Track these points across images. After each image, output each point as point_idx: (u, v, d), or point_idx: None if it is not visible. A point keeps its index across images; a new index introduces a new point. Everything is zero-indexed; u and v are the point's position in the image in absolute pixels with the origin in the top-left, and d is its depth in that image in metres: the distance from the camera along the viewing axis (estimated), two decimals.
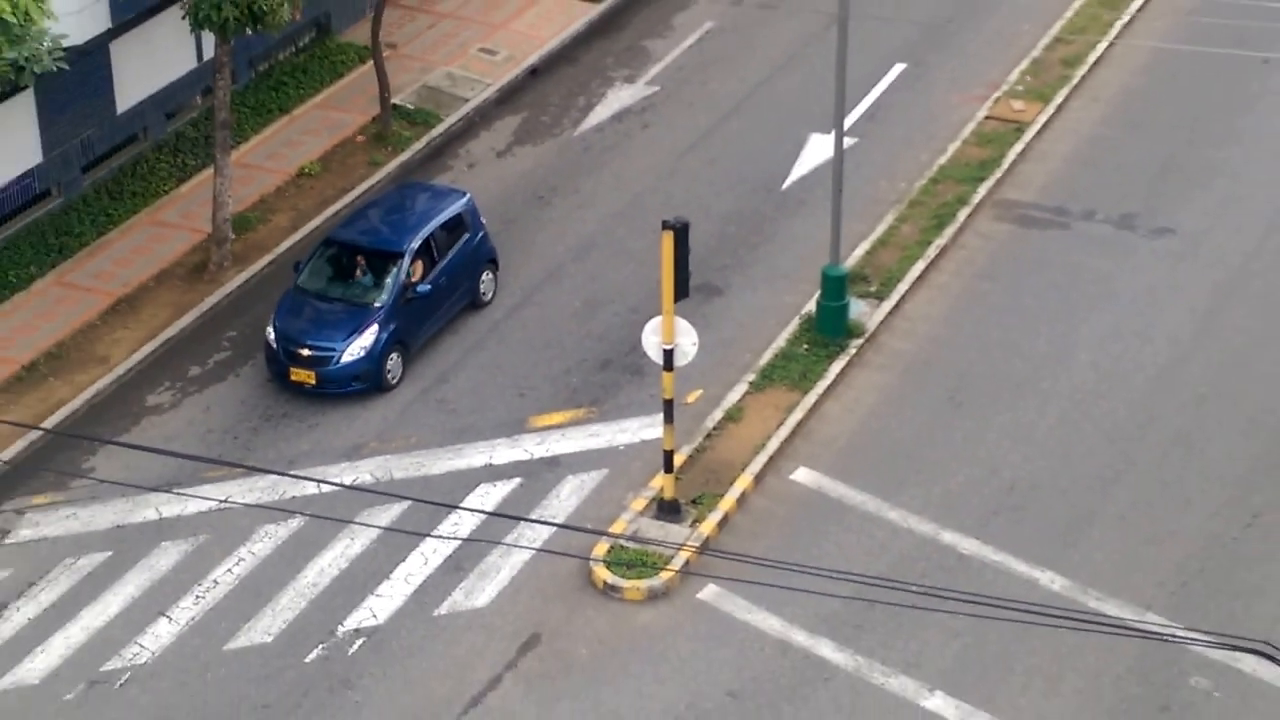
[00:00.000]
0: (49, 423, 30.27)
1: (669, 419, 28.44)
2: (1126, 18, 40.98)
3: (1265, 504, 28.96)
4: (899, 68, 39.36)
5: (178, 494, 28.44)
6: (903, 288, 33.49)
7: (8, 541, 28.73)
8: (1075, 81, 39.08)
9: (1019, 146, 37.13)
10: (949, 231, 34.81)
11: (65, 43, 29.95)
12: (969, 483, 29.49)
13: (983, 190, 35.91)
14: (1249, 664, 25.31)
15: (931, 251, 34.33)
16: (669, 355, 28.02)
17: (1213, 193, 35.33)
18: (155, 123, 36.77)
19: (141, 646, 26.88)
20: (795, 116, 37.77)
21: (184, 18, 32.83)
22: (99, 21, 33.35)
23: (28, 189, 34.60)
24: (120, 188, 35.74)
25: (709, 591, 27.61)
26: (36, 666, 26.56)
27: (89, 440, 30.02)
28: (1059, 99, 38.54)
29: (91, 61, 33.95)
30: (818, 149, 36.35)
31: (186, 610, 27.43)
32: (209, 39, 33.81)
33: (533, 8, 41.26)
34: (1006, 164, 36.63)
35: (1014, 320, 33.01)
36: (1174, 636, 25.96)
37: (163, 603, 27.56)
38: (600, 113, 38.61)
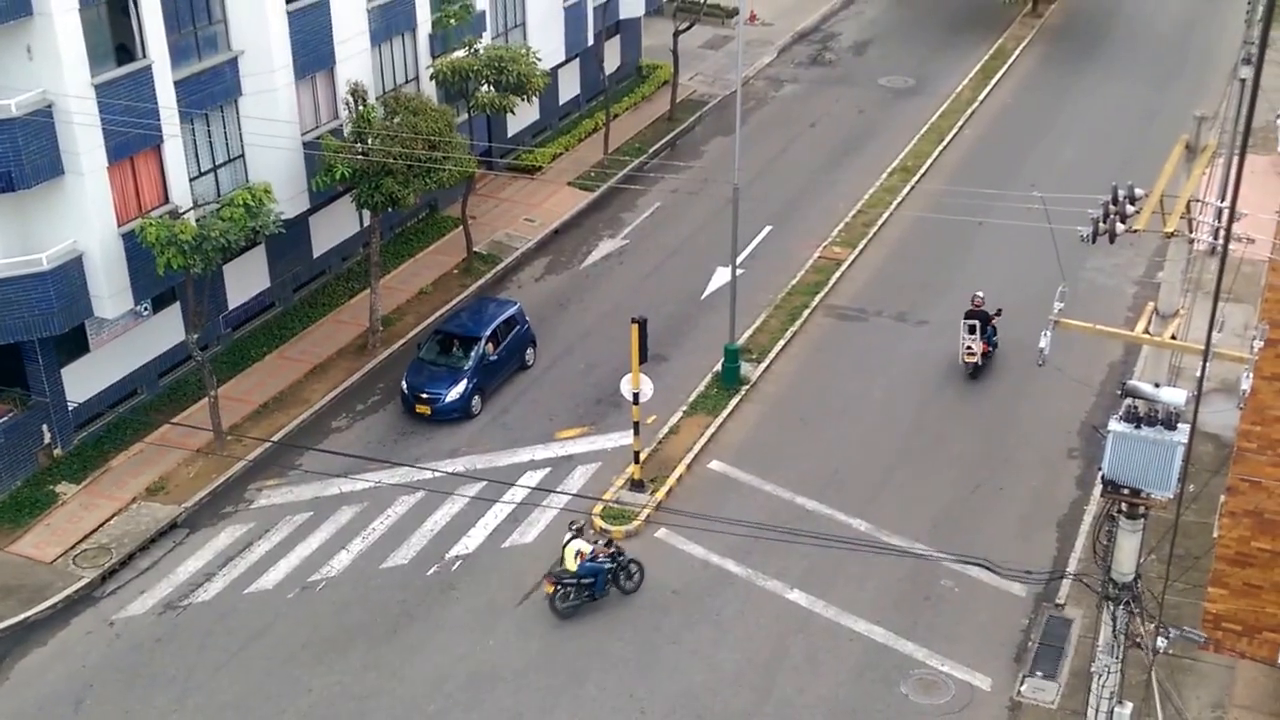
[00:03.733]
0: (275, 437, 30.47)
1: (637, 432, 28.85)
2: (900, 197, 41.45)
3: (982, 480, 29.44)
4: (768, 228, 39.71)
5: (351, 478, 28.64)
6: (771, 355, 33.81)
7: (252, 507, 28.88)
8: (870, 235, 39.39)
9: (838, 274, 37.40)
10: (797, 323, 35.13)
11: (283, 217, 30.48)
12: (811, 468, 29.82)
13: (817, 299, 36.20)
14: (975, 572, 25.72)
15: (788, 334, 34.66)
16: (636, 396, 28.41)
17: (948, 298, 35.84)
18: (335, 263, 36.94)
19: (331, 567, 27.14)
20: (707, 256, 38.02)
21: (352, 202, 33.37)
22: (302, 205, 33.60)
23: (262, 301, 34.82)
24: (315, 300, 35.82)
25: (662, 533, 27.95)
26: (269, 579, 26.83)
27: (299, 447, 30.16)
28: (860, 245, 38.85)
29: (298, 226, 34.27)
30: (721, 275, 36.54)
31: (357, 546, 27.68)
32: (367, 214, 34.23)
33: (556, 195, 41.56)
34: (830, 284, 36.92)
35: (836, 373, 33.34)
36: (931, 556, 26.52)
37: (343, 542, 27.80)
38: (595, 255, 38.79)
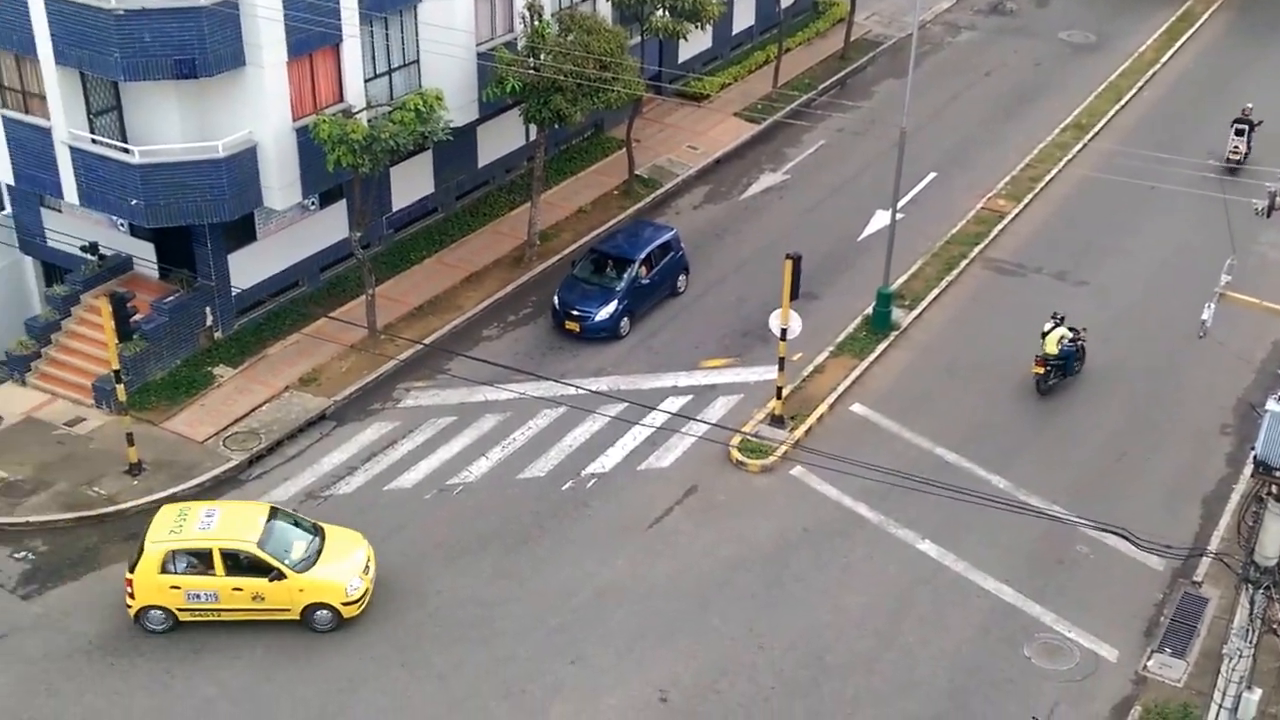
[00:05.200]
0: (428, 340, 30.39)
1: (781, 368, 28.25)
2: (1071, 155, 39.84)
3: (1128, 448, 28.23)
4: (932, 174, 38.53)
5: (496, 387, 28.50)
6: (924, 303, 32.82)
7: (399, 406, 28.95)
8: (1036, 190, 37.94)
9: (999, 226, 36.13)
10: (954, 273, 34.06)
11: (452, 124, 30.22)
12: (954, 419, 28.91)
13: (975, 250, 35.03)
14: (1113, 541, 24.65)
15: (943, 283, 33.60)
16: (784, 332, 27.82)
17: (1111, 261, 34.38)
18: (499, 174, 36.69)
19: (469, 472, 27.07)
20: (868, 198, 36.99)
21: (520, 116, 33.10)
22: (471, 114, 33.27)
23: (425, 206, 34.74)
24: (477, 209, 35.65)
25: (797, 470, 27.37)
26: (409, 478, 26.88)
27: (449, 352, 30.06)
28: (1026, 200, 37.46)
29: (466, 136, 34.01)
30: (880, 218, 35.52)
31: (496, 454, 27.58)
32: (533, 129, 33.84)
33: (721, 124, 40.76)
34: (991, 236, 35.69)
35: (988, 327, 32.24)
36: (1068, 519, 25.50)
37: (483, 449, 27.71)
38: (755, 188, 38.04)
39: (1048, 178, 38.52)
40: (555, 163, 37.56)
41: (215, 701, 21.93)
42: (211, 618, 22.96)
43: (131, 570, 22.72)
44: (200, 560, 22.68)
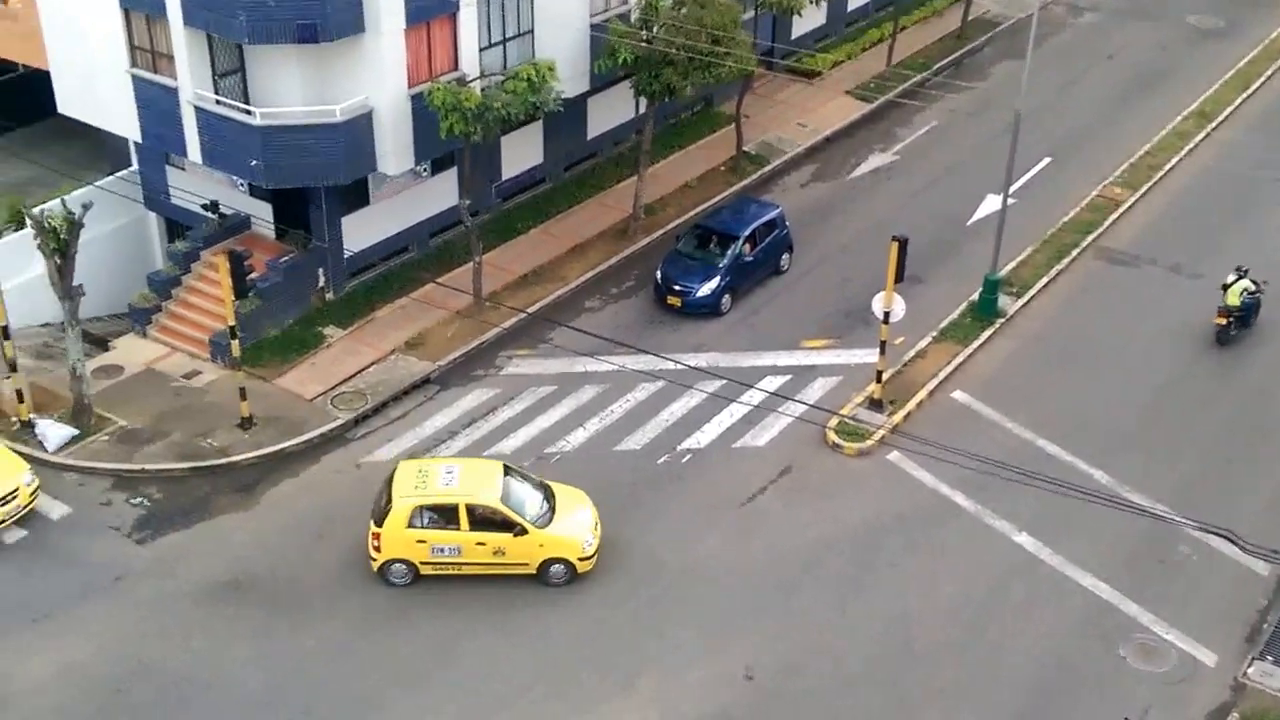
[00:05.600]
0: (531, 309, 30.52)
1: (883, 352, 27.91)
2: (1193, 144, 38.71)
3: (1236, 449, 27.42)
4: (1047, 159, 37.73)
5: (597, 359, 28.50)
6: (1032, 291, 32.20)
7: (500, 373, 29.16)
8: (1155, 179, 36.95)
9: (1114, 215, 35.26)
10: (1064, 261, 33.35)
11: (563, 95, 30.23)
12: (1057, 411, 28.32)
13: (1088, 239, 34.24)
14: (1217, 543, 24.09)
15: (1053, 271, 32.93)
16: (887, 315, 27.47)
17: (1230, 255, 33.29)
18: (607, 147, 36.71)
19: (567, 442, 27.20)
20: (979, 182, 36.30)
21: (630, 88, 33.00)
22: (582, 86, 33.25)
23: (533, 176, 34.86)
24: (584, 181, 35.67)
25: (894, 455, 27.05)
26: (507, 445, 27.07)
27: (552, 322, 30.17)
28: (1143, 189, 36.51)
29: (576, 107, 34.02)
30: (991, 203, 34.85)
31: (594, 425, 27.67)
32: (643, 102, 33.73)
33: (831, 102, 40.31)
34: (1105, 225, 34.85)
35: (1098, 318, 31.54)
36: (1172, 519, 24.88)
37: (581, 419, 27.81)
38: (863, 168, 37.58)
39: (1167, 166, 37.50)
40: (663, 136, 37.39)
41: (313, 654, 22.38)
42: (452, 571, 23.39)
43: (379, 524, 23.10)
44: (444, 515, 23.11)
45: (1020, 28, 45.03)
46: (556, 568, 23.57)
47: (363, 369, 28.67)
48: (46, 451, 25.80)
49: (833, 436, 27.32)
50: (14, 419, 26.60)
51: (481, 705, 21.57)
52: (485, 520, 23.24)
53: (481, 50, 30.32)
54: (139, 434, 26.70)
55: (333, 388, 28.11)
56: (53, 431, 26.33)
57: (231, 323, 26.51)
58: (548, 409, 28.08)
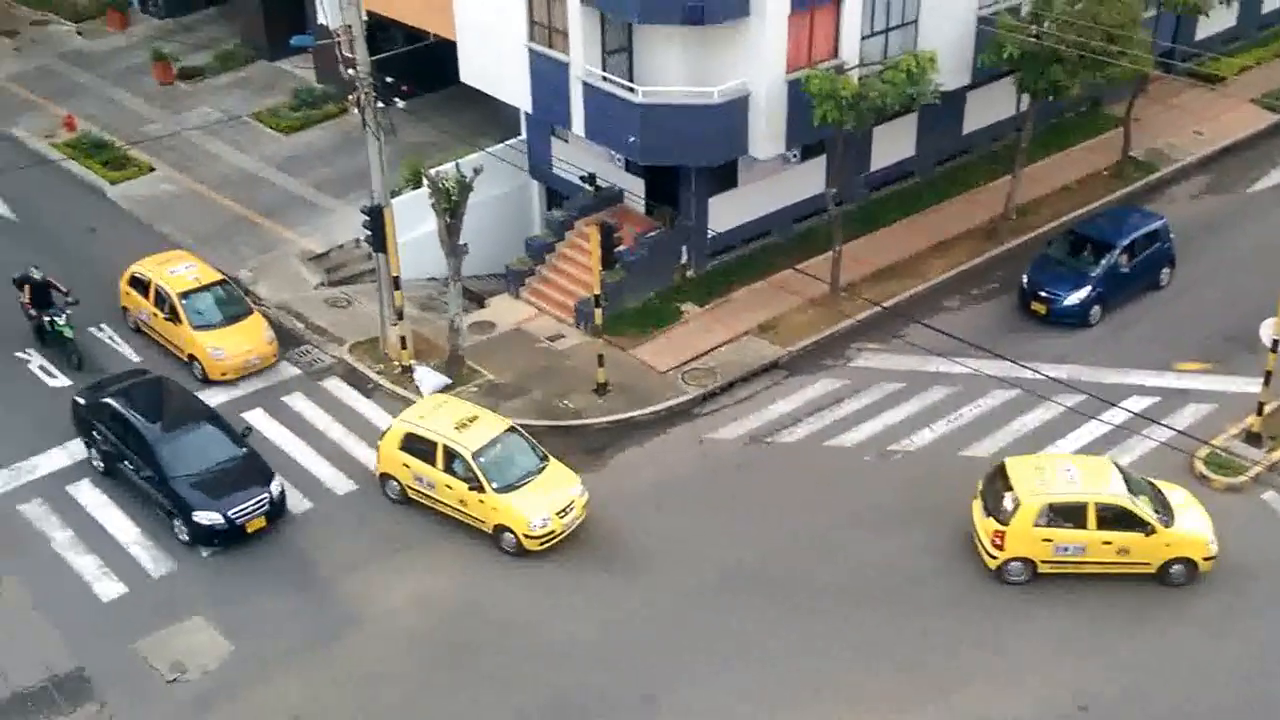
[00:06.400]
0: (887, 303, 29.90)
1: (1267, 383, 25.77)
2: None
3: None
4: None
5: (950, 360, 27.60)
6: None
7: (850, 365, 28.87)
8: None
9: None
10: None
11: (942, 88, 29.43)
12: None
13: None
14: None
15: None
16: (1276, 343, 25.31)
17: None
18: (982, 143, 35.51)
19: (911, 441, 26.64)
20: None
21: (1013, 84, 31.77)
22: (963, 79, 32.28)
23: (903, 169, 34.19)
24: (954, 177, 34.57)
25: (1269, 495, 25.03)
26: (850, 437, 26.83)
27: (906, 318, 29.49)
28: None
29: (953, 101, 32.94)
30: None
31: (941, 427, 27.04)
32: (1025, 99, 32.32)
33: (1234, 110, 37.40)
34: None
35: None
36: None
37: (928, 419, 27.23)
38: (1264, 182, 34.70)
39: None
40: (1043, 136, 35.75)
41: (632, 616, 22.80)
42: (1072, 570, 23.17)
43: (1002, 522, 22.93)
44: (1071, 514, 22.87)
45: None
46: (1178, 568, 23.07)
47: (715, 347, 28.97)
48: (421, 395, 27.45)
49: (1201, 467, 25.48)
50: (396, 363, 28.47)
51: None
52: (1113, 519, 22.84)
53: (863, 39, 29.85)
54: (503, 388, 27.97)
55: (685, 363, 28.54)
56: (429, 378, 28.00)
57: (597, 291, 27.34)
58: (894, 405, 27.54)
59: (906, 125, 33.19)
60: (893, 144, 33.31)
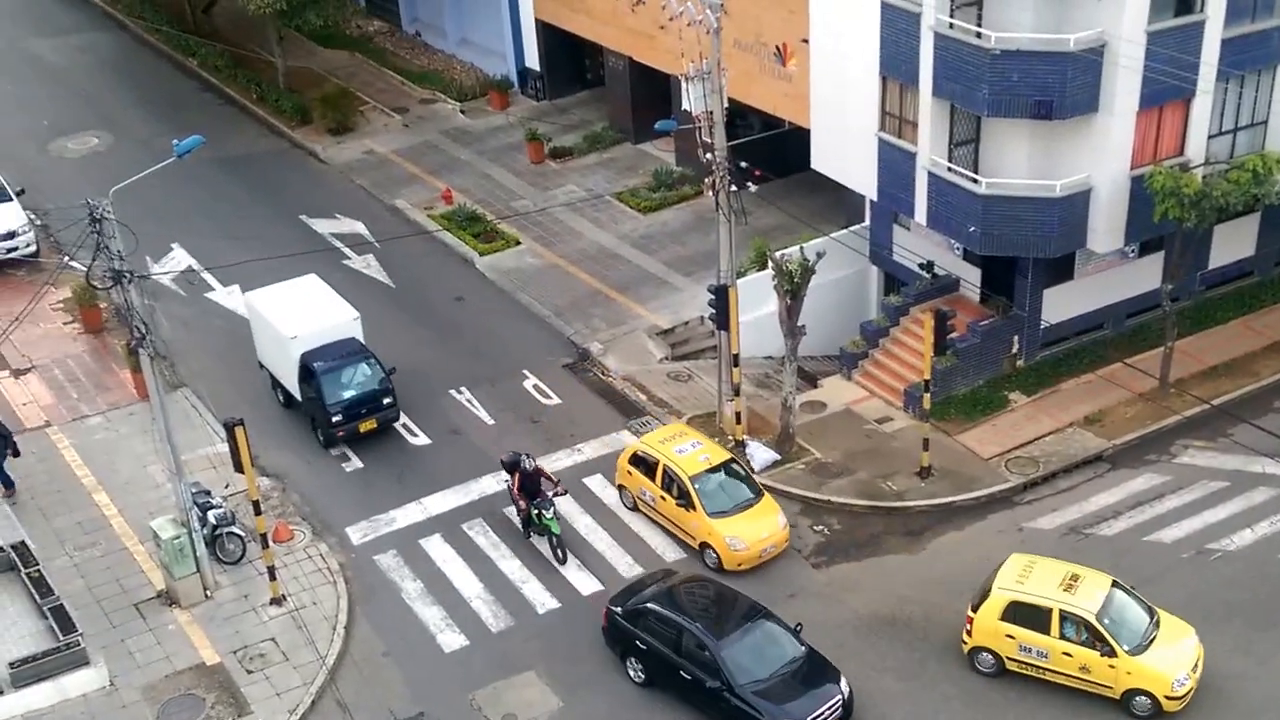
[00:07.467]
0: (1216, 401, 29.77)
1: None
2: None
3: None
4: None
5: (1277, 460, 27.15)
6: None
7: (1174, 461, 28.92)
8: None
9: None
10: None
11: None
12: None
13: None
14: None
15: None
16: None
17: None
18: None
19: (1231, 540, 26.58)
20: None
21: None
22: None
23: (1242, 268, 33.64)
24: None
25: None
26: (1170, 534, 26.68)
27: (1235, 417, 29.16)
28: None
29: None
30: None
31: (1264, 528, 26.79)
32: None
33: None
34: None
35: None
36: None
37: (1250, 520, 26.94)
38: None
39: None
40: None
41: (949, 700, 23.82)
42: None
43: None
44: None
45: None
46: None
47: (1039, 436, 29.60)
48: (754, 471, 29.01)
49: None
50: (730, 437, 30.12)
51: None
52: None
53: (1210, 137, 30.04)
54: (830, 467, 29.42)
55: (1008, 450, 29.30)
56: (760, 453, 29.74)
57: (927, 377, 28.45)
58: (1217, 504, 27.44)
59: (1248, 224, 32.93)
60: (1233, 242, 33.05)
